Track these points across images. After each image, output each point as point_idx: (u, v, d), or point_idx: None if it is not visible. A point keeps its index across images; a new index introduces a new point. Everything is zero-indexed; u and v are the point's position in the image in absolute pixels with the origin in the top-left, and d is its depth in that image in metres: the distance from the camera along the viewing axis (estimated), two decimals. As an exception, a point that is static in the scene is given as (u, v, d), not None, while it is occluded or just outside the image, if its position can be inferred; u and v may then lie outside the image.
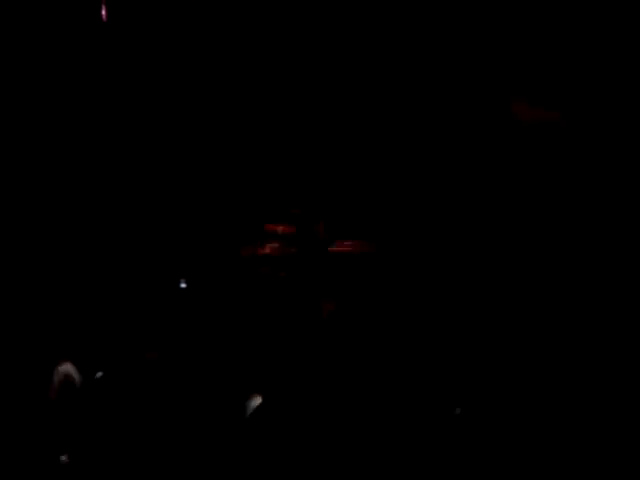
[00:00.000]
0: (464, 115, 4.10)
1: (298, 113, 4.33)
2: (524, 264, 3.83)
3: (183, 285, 3.90)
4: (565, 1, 4.04)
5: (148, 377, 3.53)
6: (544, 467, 3.11)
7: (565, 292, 3.71)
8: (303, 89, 4.34)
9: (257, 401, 3.39)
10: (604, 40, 3.99)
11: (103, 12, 4.32)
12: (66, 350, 3.68)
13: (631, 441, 3.14)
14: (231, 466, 3.24)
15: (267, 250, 3.86)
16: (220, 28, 4.41)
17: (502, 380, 3.47)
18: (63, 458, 3.37)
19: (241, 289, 3.86)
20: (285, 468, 3.18)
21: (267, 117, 4.33)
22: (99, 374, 3.58)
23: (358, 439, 3.24)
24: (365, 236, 3.97)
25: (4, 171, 4.17)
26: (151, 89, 4.40)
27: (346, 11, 4.27)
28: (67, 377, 3.54)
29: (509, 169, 3.98)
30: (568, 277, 3.74)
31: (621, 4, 3.96)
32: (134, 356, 3.67)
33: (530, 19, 4.07)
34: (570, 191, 3.90)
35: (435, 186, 4.08)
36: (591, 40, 4.00)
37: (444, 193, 4.07)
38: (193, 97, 4.42)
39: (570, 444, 3.18)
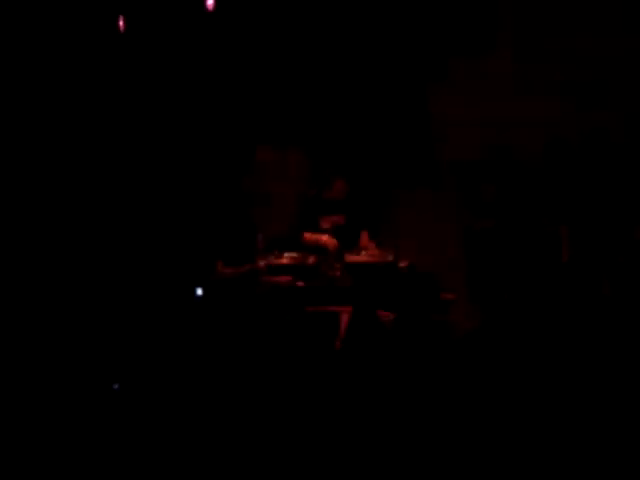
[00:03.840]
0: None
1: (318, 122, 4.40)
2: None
3: (199, 292, 3.92)
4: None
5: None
6: (544, 467, 3.14)
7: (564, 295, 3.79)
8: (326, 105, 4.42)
9: None
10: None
11: (120, 23, 4.37)
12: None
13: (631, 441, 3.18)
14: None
15: (285, 260, 3.89)
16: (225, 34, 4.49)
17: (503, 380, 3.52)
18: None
19: (257, 299, 3.88)
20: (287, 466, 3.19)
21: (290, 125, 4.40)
22: None
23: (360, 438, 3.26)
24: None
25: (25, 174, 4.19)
26: (172, 97, 4.45)
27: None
28: None
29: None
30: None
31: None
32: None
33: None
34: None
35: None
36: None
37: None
38: (216, 109, 4.48)
39: (570, 444, 3.21)
